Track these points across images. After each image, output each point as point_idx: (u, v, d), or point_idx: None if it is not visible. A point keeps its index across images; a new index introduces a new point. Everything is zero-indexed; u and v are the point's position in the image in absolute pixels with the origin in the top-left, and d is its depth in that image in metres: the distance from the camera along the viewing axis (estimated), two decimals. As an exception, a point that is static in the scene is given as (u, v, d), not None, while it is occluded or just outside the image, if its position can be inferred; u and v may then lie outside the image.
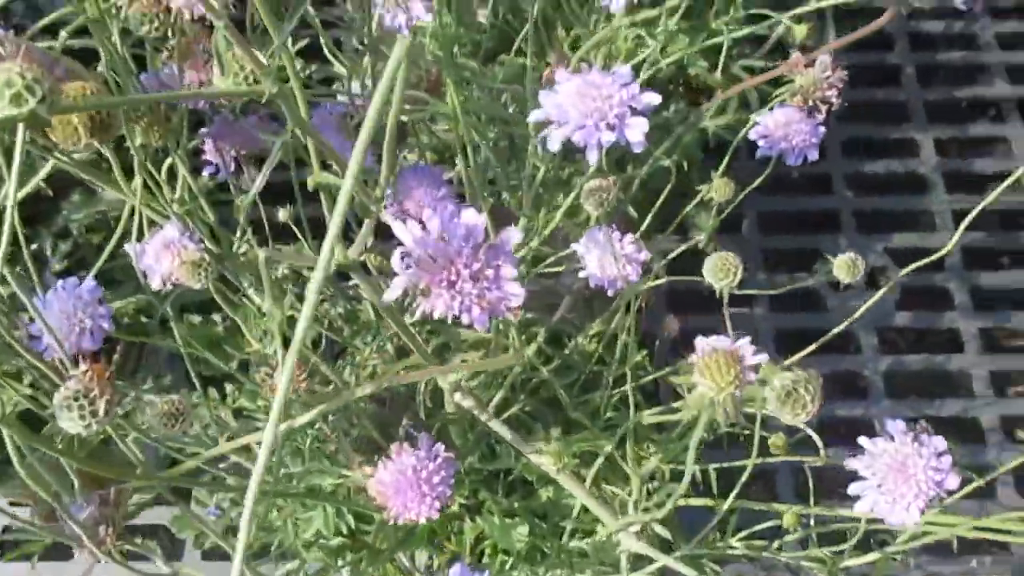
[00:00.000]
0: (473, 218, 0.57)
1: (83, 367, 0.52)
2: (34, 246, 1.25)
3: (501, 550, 1.02)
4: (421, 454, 0.64)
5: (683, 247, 1.05)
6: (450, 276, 0.54)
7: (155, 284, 0.78)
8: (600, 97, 0.63)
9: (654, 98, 0.64)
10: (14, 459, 0.65)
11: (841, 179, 1.73)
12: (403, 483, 0.62)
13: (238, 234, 0.86)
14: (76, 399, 0.51)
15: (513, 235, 0.57)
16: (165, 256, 0.77)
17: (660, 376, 1.11)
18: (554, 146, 0.65)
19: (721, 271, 0.74)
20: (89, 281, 0.76)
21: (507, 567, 1.03)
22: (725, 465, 1.03)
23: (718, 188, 0.88)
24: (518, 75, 1.25)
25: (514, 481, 1.08)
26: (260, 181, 0.64)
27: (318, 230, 0.80)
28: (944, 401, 1.53)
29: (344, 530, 0.98)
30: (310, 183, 0.69)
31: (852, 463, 0.68)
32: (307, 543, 0.95)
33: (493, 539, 1.00)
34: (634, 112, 0.63)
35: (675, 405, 0.98)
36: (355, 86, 0.95)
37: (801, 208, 1.70)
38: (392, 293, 0.58)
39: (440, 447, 0.65)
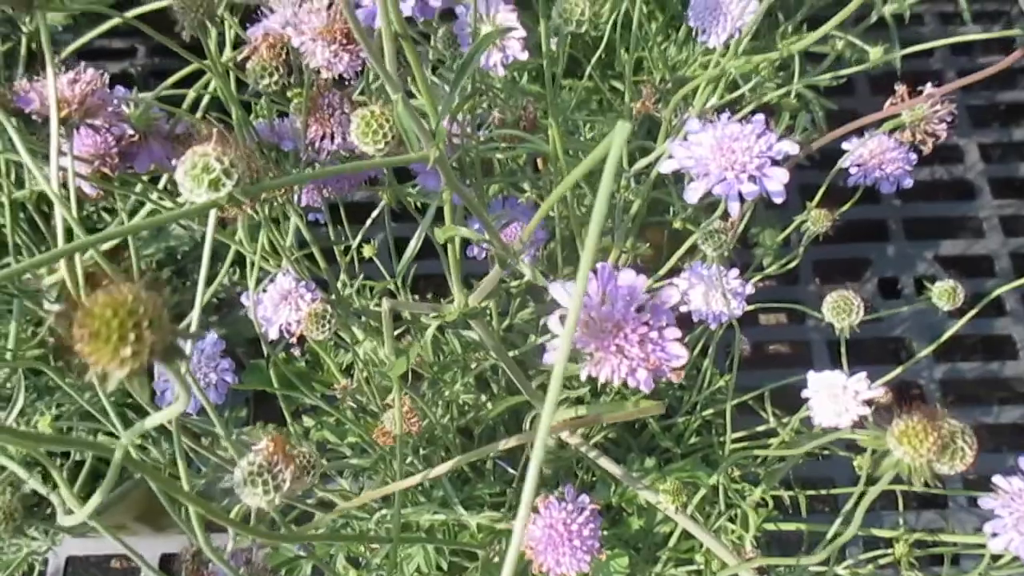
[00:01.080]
0: (632, 279, 0.57)
1: (265, 441, 0.52)
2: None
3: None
4: (569, 507, 0.64)
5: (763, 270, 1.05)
6: (617, 340, 0.55)
7: (273, 334, 0.78)
8: (740, 149, 0.63)
9: (791, 148, 0.64)
10: (169, 509, 0.66)
11: (889, 187, 1.73)
12: (554, 538, 0.63)
13: (342, 282, 0.86)
14: (260, 473, 0.52)
15: (672, 296, 0.58)
16: (283, 307, 0.77)
17: (741, 401, 1.11)
18: (693, 199, 0.65)
19: (843, 310, 0.74)
20: (211, 335, 0.76)
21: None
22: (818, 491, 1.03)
23: (816, 219, 0.88)
24: (583, 101, 1.26)
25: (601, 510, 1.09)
26: (415, 241, 0.64)
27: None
28: (1002, 408, 1.53)
29: (444, 566, 0.98)
30: (441, 235, 0.69)
31: (987, 502, 0.69)
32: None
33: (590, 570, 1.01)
34: (773, 162, 0.64)
35: (775, 439, 0.99)
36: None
37: (849, 218, 1.70)
38: (552, 357, 0.58)
39: (586, 499, 0.66)
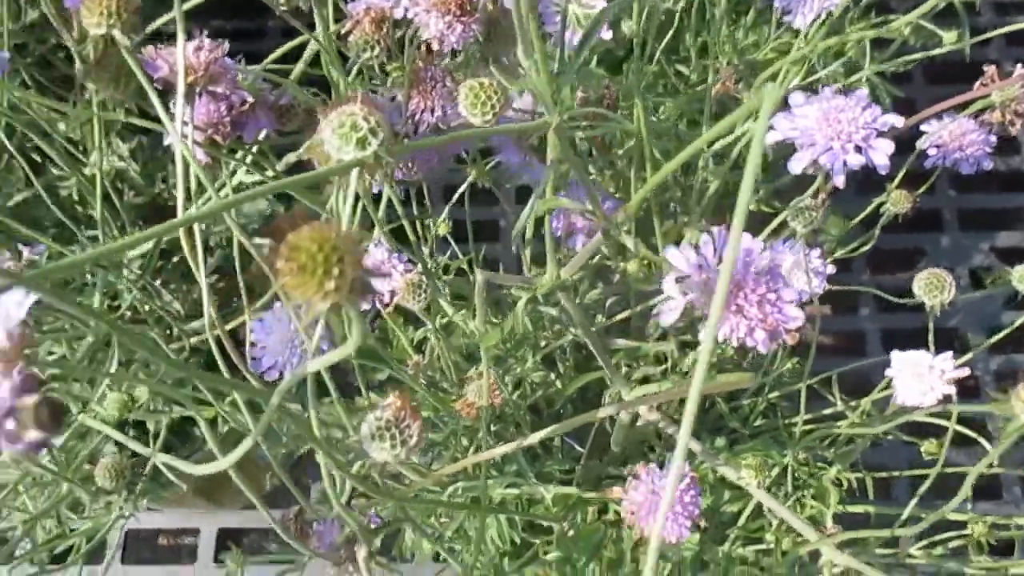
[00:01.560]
0: (749, 242, 0.58)
1: (392, 396, 0.54)
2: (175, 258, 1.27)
3: (665, 557, 1.03)
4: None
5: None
6: (737, 301, 0.55)
7: (364, 304, 0.79)
8: (846, 120, 0.64)
9: (897, 120, 0.65)
10: (279, 472, 0.67)
11: (944, 178, 1.73)
12: (656, 503, 0.64)
13: (428, 252, 0.87)
14: (388, 428, 0.53)
15: (786, 259, 0.59)
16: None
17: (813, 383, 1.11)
18: (797, 169, 0.66)
19: (935, 287, 0.75)
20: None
21: (669, 573, 1.04)
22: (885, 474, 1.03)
23: (896, 200, 0.88)
24: (650, 84, 1.26)
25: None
26: (527, 214, 0.65)
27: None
28: (1058, 400, 1.52)
29: (517, 540, 0.99)
30: (542, 207, 0.70)
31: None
32: (481, 552, 0.96)
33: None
34: (878, 134, 0.64)
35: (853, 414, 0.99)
36: (526, 101, 0.96)
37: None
38: (670, 317, 0.59)
39: (686, 467, 0.67)
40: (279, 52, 0.73)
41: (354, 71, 0.80)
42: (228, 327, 1.01)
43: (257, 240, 0.37)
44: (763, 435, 1.08)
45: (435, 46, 0.66)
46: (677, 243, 0.60)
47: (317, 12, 0.66)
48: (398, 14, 0.74)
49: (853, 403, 1.04)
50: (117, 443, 0.87)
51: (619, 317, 1.04)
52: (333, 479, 0.77)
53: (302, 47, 0.80)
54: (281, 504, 1.59)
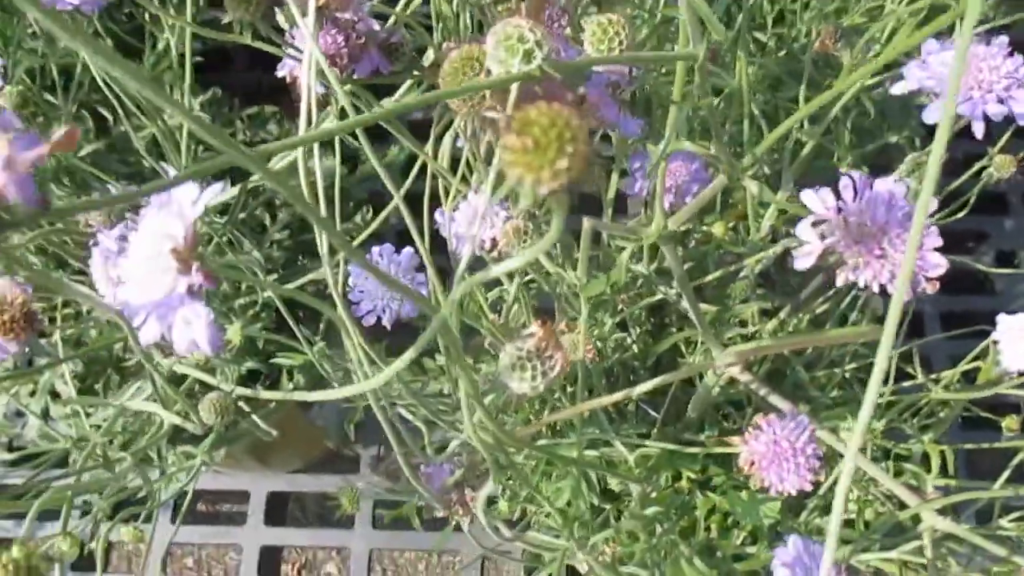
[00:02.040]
0: (890, 185, 0.56)
1: (534, 327, 0.52)
2: (243, 214, 1.26)
3: (739, 526, 1.02)
4: (791, 424, 0.64)
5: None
6: (882, 244, 0.54)
7: (465, 251, 0.78)
8: (987, 68, 0.62)
9: (1039, 68, 0.63)
10: (385, 422, 0.66)
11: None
12: (779, 454, 0.62)
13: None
14: (530, 359, 0.52)
15: (932, 203, 0.57)
16: (479, 224, 0.78)
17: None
18: (933, 118, 0.64)
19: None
20: (408, 249, 0.77)
21: (742, 542, 1.03)
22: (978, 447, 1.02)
23: (1000, 165, 0.86)
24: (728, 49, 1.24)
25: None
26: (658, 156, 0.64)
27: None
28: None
29: (595, 502, 0.98)
30: (670, 148, 0.69)
31: None
32: (558, 512, 0.95)
33: (735, 515, 1.00)
34: (1019, 85, 0.62)
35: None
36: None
37: (967, 189, 1.67)
38: (806, 261, 0.57)
39: (805, 418, 0.65)
40: None
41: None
42: (308, 278, 1.00)
43: (487, 112, 0.35)
44: (841, 406, 1.07)
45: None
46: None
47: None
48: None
49: (933, 376, 1.02)
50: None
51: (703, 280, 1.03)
52: (432, 425, 0.76)
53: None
54: (328, 471, 1.60)
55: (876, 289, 0.55)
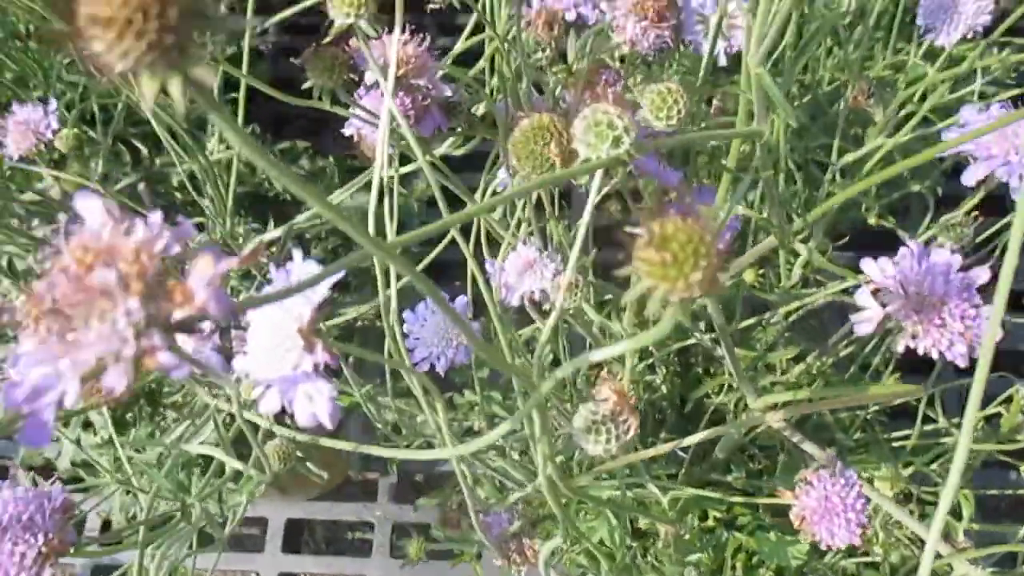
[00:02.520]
0: (947, 257, 0.59)
1: (606, 389, 0.54)
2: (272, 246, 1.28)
3: (768, 567, 1.04)
4: (841, 481, 0.66)
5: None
6: (942, 315, 0.56)
7: (514, 302, 0.81)
8: (1023, 135, 0.65)
9: (1078, 141, 0.66)
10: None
11: None
12: (829, 510, 0.65)
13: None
14: (604, 423, 0.54)
15: (982, 275, 0.60)
16: (528, 275, 0.80)
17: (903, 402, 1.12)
18: (971, 181, 0.67)
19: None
20: (462, 298, 0.79)
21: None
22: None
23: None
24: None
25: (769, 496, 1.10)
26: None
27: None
28: None
29: (628, 543, 1.00)
30: (712, 213, 0.71)
31: None
32: (592, 550, 0.97)
33: (762, 555, 1.02)
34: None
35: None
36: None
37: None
38: (866, 327, 0.60)
39: (853, 474, 0.67)
40: (457, 49, 0.74)
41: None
42: (349, 315, 1.02)
43: (629, 229, 0.37)
44: (866, 448, 1.09)
45: (625, 49, 0.67)
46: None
47: (494, 15, 0.67)
48: (570, 16, 0.75)
49: (955, 421, 1.05)
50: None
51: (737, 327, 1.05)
52: (494, 476, 0.78)
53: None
54: (344, 498, 1.61)
55: (936, 356, 0.58)
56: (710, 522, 1.10)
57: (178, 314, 0.28)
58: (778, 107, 0.53)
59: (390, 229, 0.75)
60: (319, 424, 0.41)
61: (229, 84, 1.26)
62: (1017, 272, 1.34)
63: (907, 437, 1.11)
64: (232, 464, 0.70)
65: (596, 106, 0.49)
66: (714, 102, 0.94)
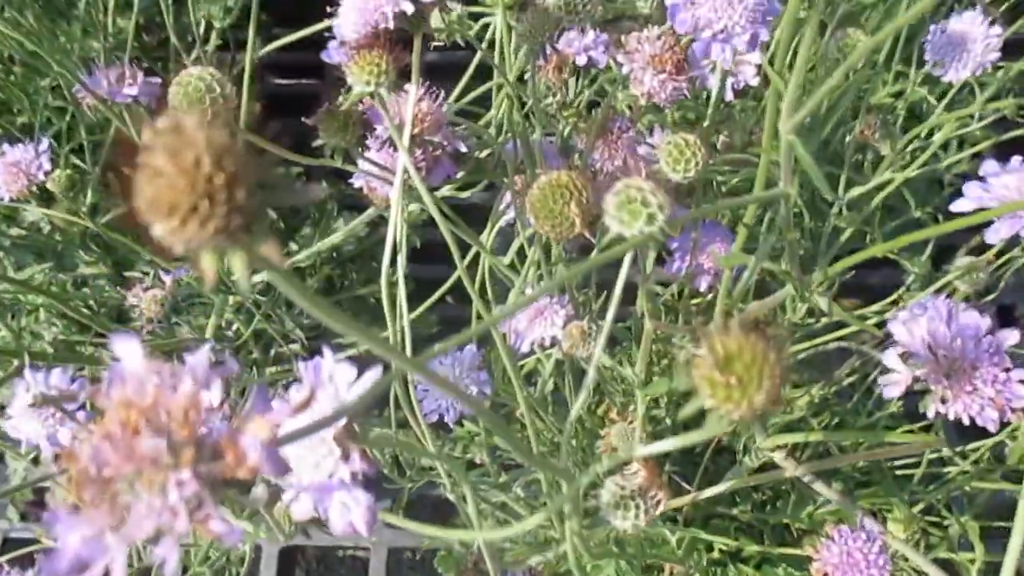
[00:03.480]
0: (976, 319, 0.58)
1: (636, 466, 0.53)
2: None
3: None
4: (863, 536, 0.65)
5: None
6: (974, 381, 0.56)
7: (524, 348, 0.79)
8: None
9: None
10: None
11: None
12: (852, 565, 0.64)
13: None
14: (634, 498, 0.53)
15: (1010, 337, 0.59)
16: (538, 322, 0.79)
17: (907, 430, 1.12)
18: (995, 239, 0.66)
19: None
20: (471, 346, 0.78)
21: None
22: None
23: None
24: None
25: (775, 528, 1.10)
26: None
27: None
28: None
29: (634, 579, 0.99)
30: (725, 263, 0.70)
31: None
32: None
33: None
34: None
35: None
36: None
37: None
38: (894, 391, 0.59)
39: (874, 529, 0.67)
40: (468, 98, 0.72)
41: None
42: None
43: (695, 350, 0.35)
44: (868, 476, 1.09)
45: (642, 101, 0.66)
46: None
47: (504, 63, 0.65)
48: (581, 61, 0.73)
49: (959, 450, 1.05)
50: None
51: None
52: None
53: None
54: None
55: (966, 421, 0.57)
56: (715, 554, 1.09)
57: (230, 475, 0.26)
58: (812, 177, 0.52)
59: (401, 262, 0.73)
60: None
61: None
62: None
63: (910, 466, 1.11)
64: (242, 527, 0.68)
65: (629, 181, 0.48)
66: (721, 137, 0.93)
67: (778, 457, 0.86)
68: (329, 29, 0.58)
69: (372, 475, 0.40)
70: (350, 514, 0.39)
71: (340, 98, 0.56)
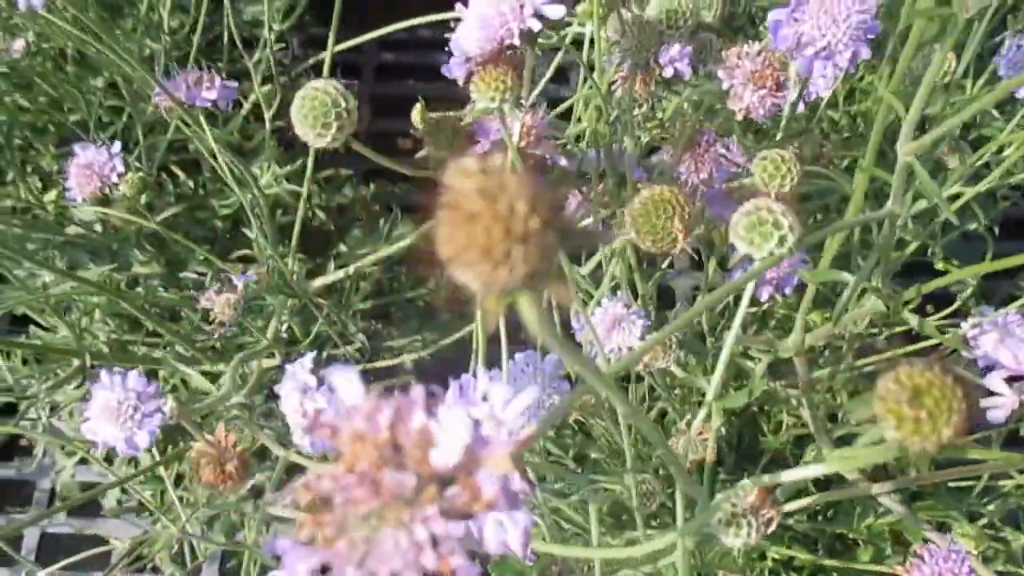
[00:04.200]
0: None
1: (756, 491, 0.53)
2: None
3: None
4: (952, 556, 0.66)
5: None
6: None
7: (600, 359, 0.79)
8: None
9: None
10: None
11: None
12: (943, 586, 0.64)
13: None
14: (745, 515, 0.53)
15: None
16: (615, 332, 0.79)
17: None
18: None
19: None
20: (552, 356, 0.78)
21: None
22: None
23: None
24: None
25: (829, 538, 1.10)
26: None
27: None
28: None
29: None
30: (815, 278, 0.70)
31: None
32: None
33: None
34: None
35: None
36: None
37: None
38: (1000, 414, 0.59)
39: (962, 548, 0.67)
40: (553, 113, 0.73)
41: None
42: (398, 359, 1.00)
43: (880, 396, 0.34)
44: (926, 494, 1.09)
45: (739, 116, 0.66)
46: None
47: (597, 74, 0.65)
48: (667, 73, 0.74)
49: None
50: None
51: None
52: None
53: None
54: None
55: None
56: (769, 563, 1.09)
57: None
58: (934, 200, 0.52)
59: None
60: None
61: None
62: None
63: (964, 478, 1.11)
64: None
65: (758, 203, 0.48)
66: (791, 149, 0.93)
67: (849, 474, 0.86)
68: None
69: (529, 495, 0.40)
70: (506, 535, 0.40)
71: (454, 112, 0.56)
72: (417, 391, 0.28)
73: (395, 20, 1.01)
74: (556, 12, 0.51)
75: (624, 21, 0.62)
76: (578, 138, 0.80)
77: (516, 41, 0.50)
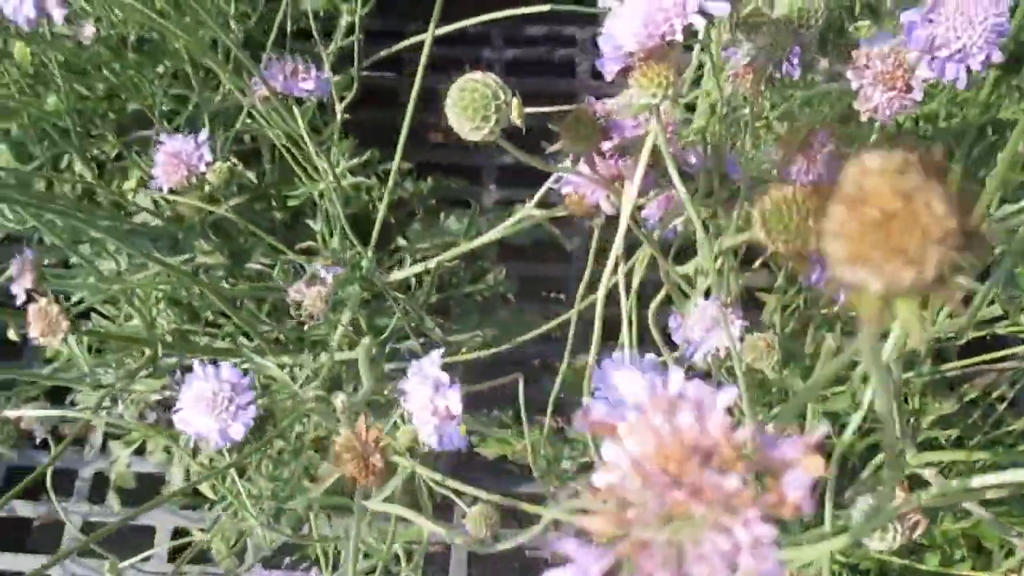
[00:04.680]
0: None
1: (901, 491, 0.53)
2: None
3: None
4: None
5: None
6: None
7: (698, 359, 0.79)
8: None
9: None
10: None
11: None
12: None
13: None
14: (893, 522, 0.52)
15: None
16: (715, 332, 0.78)
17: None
18: None
19: None
20: (651, 356, 0.77)
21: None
22: None
23: None
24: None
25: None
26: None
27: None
28: None
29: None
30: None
31: None
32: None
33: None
34: None
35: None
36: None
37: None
38: None
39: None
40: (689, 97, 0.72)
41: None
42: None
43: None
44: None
45: (864, 117, 0.65)
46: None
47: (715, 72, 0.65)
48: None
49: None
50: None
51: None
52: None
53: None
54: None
55: None
56: (835, 566, 1.09)
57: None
58: None
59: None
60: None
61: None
62: None
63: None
64: (427, 527, 0.68)
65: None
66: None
67: (929, 474, 0.86)
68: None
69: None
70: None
71: (602, 105, 0.56)
72: (727, 394, 0.28)
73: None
74: (721, 8, 0.50)
75: (757, 20, 0.61)
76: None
77: (679, 37, 0.50)
